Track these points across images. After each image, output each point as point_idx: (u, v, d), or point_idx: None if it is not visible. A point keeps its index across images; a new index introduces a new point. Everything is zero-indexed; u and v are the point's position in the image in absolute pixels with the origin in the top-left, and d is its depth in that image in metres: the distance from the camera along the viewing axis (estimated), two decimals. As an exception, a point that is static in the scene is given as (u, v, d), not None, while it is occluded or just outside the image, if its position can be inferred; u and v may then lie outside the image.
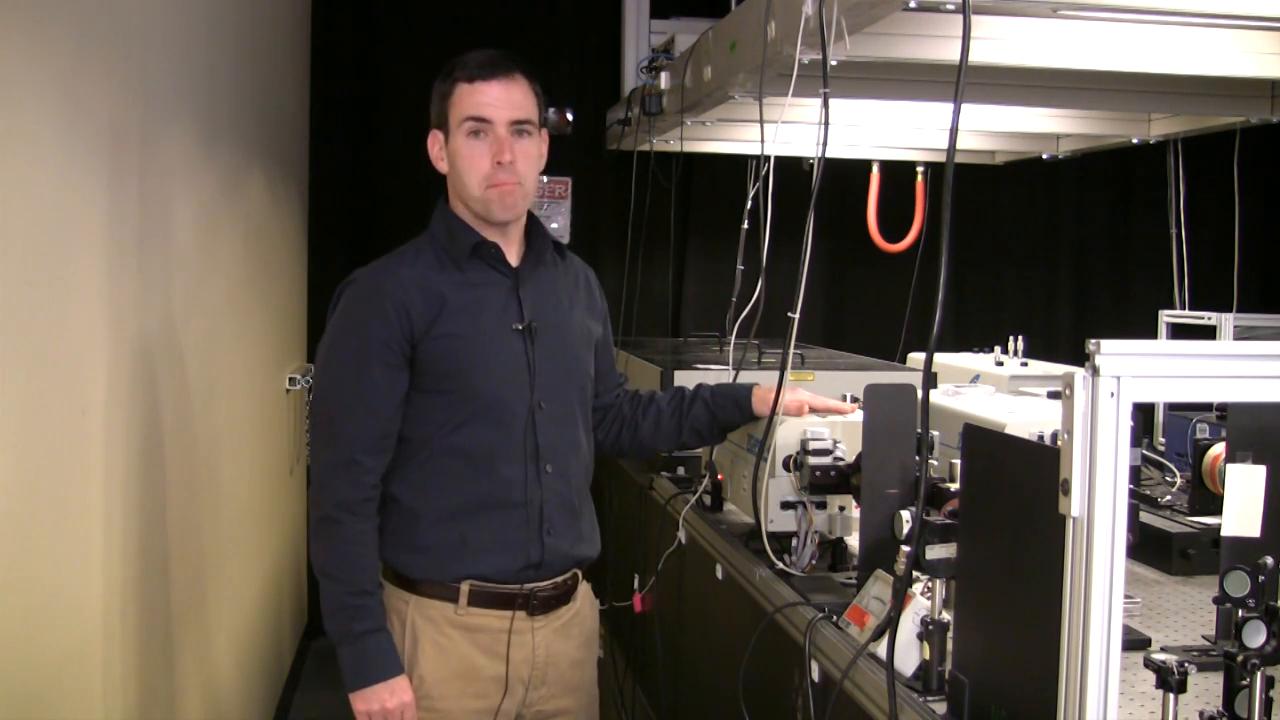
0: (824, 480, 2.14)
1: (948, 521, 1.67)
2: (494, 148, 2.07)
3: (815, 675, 1.91)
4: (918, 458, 1.89)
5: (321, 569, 2.06)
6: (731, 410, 2.35)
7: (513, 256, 2.16)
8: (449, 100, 2.09)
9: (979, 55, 2.14)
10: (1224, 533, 1.67)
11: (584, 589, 2.26)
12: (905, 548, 1.70)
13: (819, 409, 2.28)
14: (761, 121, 2.41)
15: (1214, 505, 2.39)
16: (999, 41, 2.29)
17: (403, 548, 2.09)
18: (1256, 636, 1.41)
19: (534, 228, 2.20)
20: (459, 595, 2.08)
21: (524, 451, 2.09)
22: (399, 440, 2.08)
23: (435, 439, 2.07)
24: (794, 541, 2.22)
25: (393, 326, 2.04)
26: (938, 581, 1.67)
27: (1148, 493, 2.69)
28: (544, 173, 2.27)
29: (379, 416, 2.05)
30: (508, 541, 2.09)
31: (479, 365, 2.07)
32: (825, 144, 2.08)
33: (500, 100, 2.07)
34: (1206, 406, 2.81)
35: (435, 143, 2.15)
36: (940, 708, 1.61)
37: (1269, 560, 1.48)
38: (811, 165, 2.43)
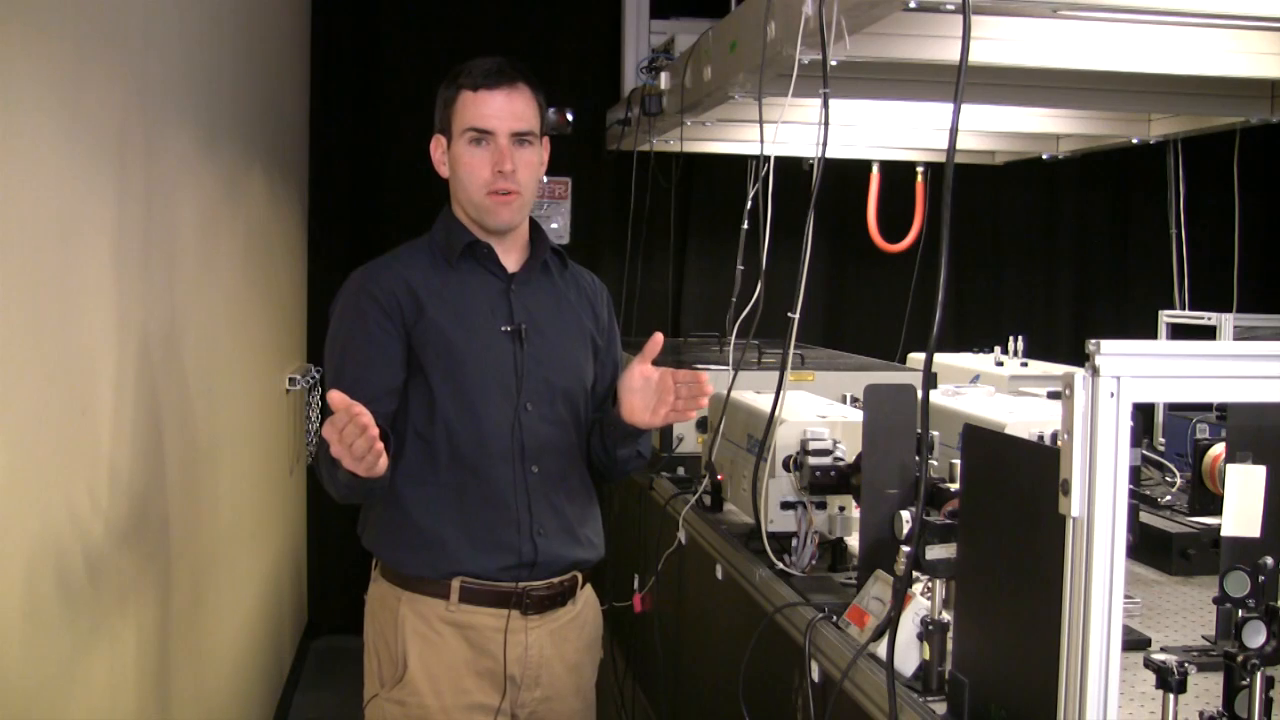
0: (824, 480, 2.14)
1: (948, 521, 1.67)
2: (495, 156, 2.07)
3: (815, 675, 1.91)
4: (918, 458, 1.90)
5: (330, 490, 2.01)
6: (608, 416, 2.17)
7: (512, 262, 2.17)
8: (452, 107, 2.11)
9: (979, 55, 2.15)
10: (1224, 533, 1.67)
11: (587, 593, 2.25)
12: (905, 548, 1.70)
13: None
14: (761, 122, 2.41)
15: (1214, 505, 2.38)
16: (999, 41, 2.29)
17: (395, 543, 2.11)
18: (1256, 636, 1.41)
19: (536, 235, 2.21)
20: (450, 592, 2.08)
21: (510, 452, 2.09)
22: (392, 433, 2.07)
23: (420, 433, 2.08)
24: (794, 541, 2.22)
25: (388, 309, 2.07)
26: (938, 581, 1.67)
27: (1148, 493, 2.69)
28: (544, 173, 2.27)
29: (379, 370, 2.04)
30: (497, 540, 2.09)
31: (462, 361, 2.08)
32: (825, 144, 2.08)
33: (503, 111, 2.08)
34: (1206, 406, 2.81)
35: (438, 147, 2.16)
36: (940, 708, 1.61)
37: (1269, 560, 1.48)
38: (811, 165, 2.43)
